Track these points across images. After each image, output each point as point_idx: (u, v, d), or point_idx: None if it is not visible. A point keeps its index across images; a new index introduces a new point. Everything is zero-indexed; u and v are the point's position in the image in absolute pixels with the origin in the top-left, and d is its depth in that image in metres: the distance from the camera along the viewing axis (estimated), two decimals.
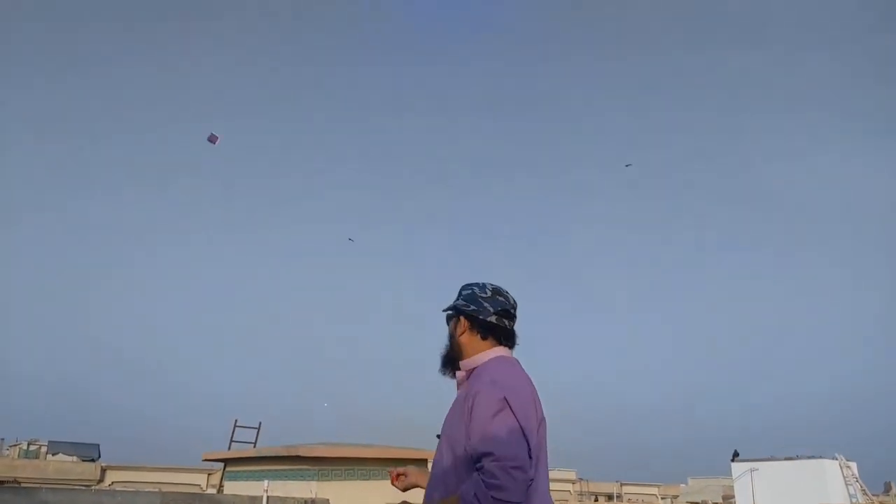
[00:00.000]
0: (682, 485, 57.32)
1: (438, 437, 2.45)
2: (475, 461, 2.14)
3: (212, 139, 16.56)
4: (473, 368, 2.42)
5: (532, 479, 2.16)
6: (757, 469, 33.85)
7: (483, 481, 2.06)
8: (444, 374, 2.56)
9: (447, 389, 2.60)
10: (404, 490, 2.61)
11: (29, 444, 40.40)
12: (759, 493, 32.53)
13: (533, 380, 2.43)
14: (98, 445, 41.09)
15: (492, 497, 2.03)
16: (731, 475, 36.03)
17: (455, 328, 2.52)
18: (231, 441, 19.37)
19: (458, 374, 2.47)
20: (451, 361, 2.53)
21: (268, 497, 11.53)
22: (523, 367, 2.48)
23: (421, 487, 2.55)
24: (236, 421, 19.72)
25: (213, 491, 27.68)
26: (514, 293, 2.56)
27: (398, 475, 2.60)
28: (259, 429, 19.96)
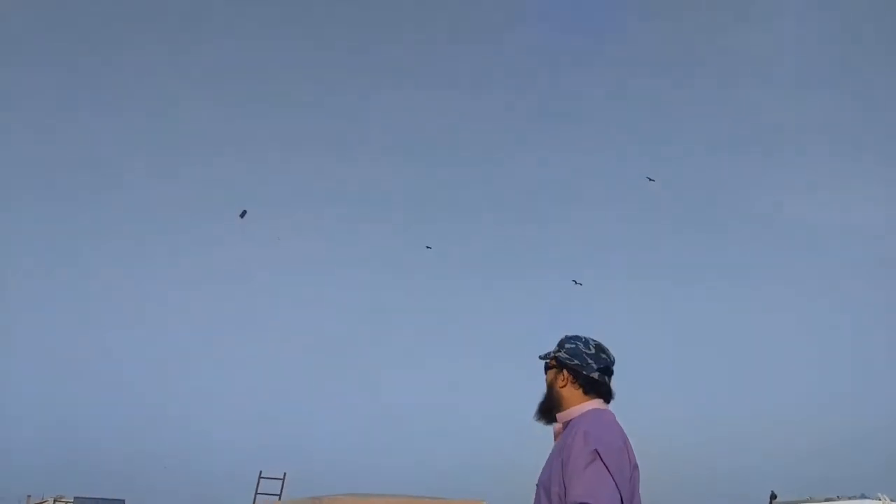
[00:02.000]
0: None
1: (537, 486, 2.58)
2: None
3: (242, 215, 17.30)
4: (569, 420, 2.55)
5: None
6: None
7: None
8: (538, 421, 2.68)
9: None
10: None
11: (55, 501, 40.42)
12: None
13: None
14: (123, 501, 40.89)
15: None
16: None
17: (555, 379, 2.65)
18: (256, 494, 19.23)
19: (555, 425, 2.62)
20: (547, 411, 2.66)
21: None
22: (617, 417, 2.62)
23: None
24: (261, 472, 19.61)
25: None
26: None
27: None
28: (284, 480, 19.80)
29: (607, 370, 2.63)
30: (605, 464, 2.30)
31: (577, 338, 2.67)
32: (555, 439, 2.61)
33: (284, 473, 20.14)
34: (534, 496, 2.54)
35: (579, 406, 2.56)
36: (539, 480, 2.56)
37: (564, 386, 2.60)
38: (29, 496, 41.31)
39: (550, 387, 2.66)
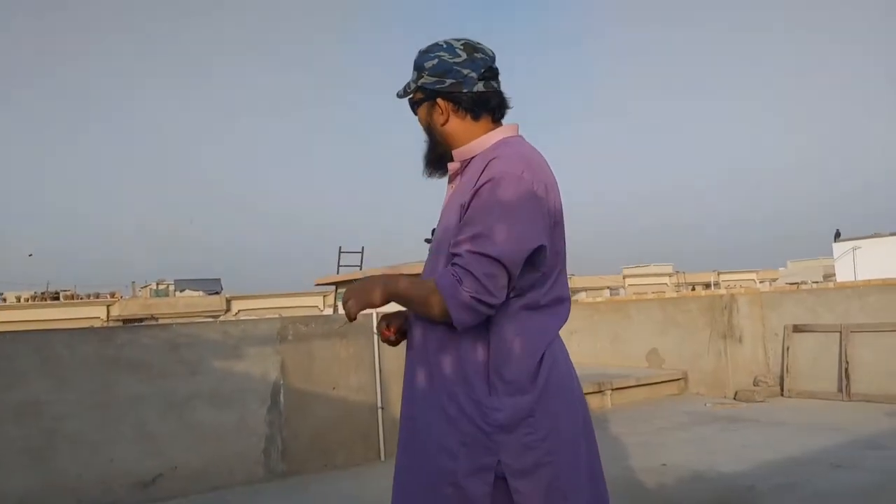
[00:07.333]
0: (782, 269, 57.16)
1: (428, 241, 2.01)
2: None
3: None
4: (472, 158, 1.81)
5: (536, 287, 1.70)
6: (860, 247, 33.40)
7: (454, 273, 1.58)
8: (431, 176, 1.94)
9: None
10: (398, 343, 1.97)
11: (158, 284, 44.26)
12: (861, 270, 32.16)
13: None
14: (220, 280, 44.56)
15: (464, 296, 1.55)
16: (833, 256, 35.77)
17: (431, 117, 1.86)
18: (339, 266, 20.75)
19: (451, 165, 1.85)
20: (438, 160, 1.90)
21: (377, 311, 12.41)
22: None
23: None
24: (341, 247, 21.01)
25: (329, 311, 29.94)
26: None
27: (388, 326, 1.93)
28: (363, 253, 21.23)
29: (491, 72, 1.83)
30: (534, 192, 1.64)
31: (436, 46, 1.84)
32: (450, 183, 1.89)
33: (362, 247, 21.56)
34: (425, 262, 1.88)
35: (480, 140, 1.81)
36: (434, 237, 1.87)
37: (447, 121, 1.83)
38: (133, 282, 45.42)
39: (429, 130, 1.88)
